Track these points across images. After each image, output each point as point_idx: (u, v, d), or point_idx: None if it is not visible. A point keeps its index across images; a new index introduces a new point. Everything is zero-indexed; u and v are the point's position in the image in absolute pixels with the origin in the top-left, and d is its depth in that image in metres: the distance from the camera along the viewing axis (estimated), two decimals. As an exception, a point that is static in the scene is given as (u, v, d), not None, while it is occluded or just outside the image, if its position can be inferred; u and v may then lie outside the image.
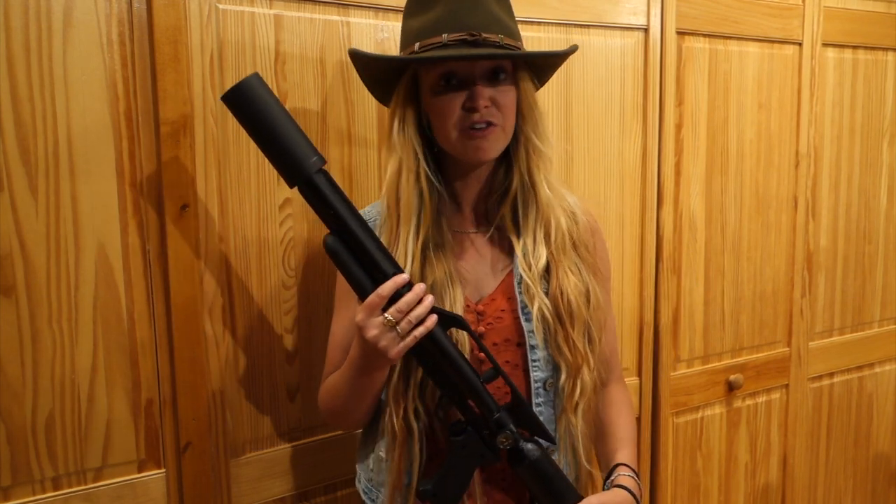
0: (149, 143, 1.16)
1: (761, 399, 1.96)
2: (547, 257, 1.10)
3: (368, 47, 1.33)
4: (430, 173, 1.08)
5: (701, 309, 1.81)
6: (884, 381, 2.20)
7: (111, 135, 1.13)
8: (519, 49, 1.08)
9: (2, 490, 1.11)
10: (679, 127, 1.71)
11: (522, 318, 1.10)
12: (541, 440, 1.06)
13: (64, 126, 1.09)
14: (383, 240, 1.04)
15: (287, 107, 1.26)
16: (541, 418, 1.08)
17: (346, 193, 0.98)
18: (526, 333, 1.09)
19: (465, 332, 1.05)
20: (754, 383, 1.93)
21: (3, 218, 1.06)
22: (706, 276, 1.81)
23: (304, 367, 1.35)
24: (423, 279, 1.05)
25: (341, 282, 1.15)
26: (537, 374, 1.10)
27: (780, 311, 1.95)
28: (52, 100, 1.08)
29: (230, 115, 1.21)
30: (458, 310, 1.06)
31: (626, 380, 1.41)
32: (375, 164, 1.36)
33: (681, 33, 1.67)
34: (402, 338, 0.96)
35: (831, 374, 2.08)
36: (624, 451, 1.18)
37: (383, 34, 1.34)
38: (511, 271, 1.12)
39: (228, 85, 1.21)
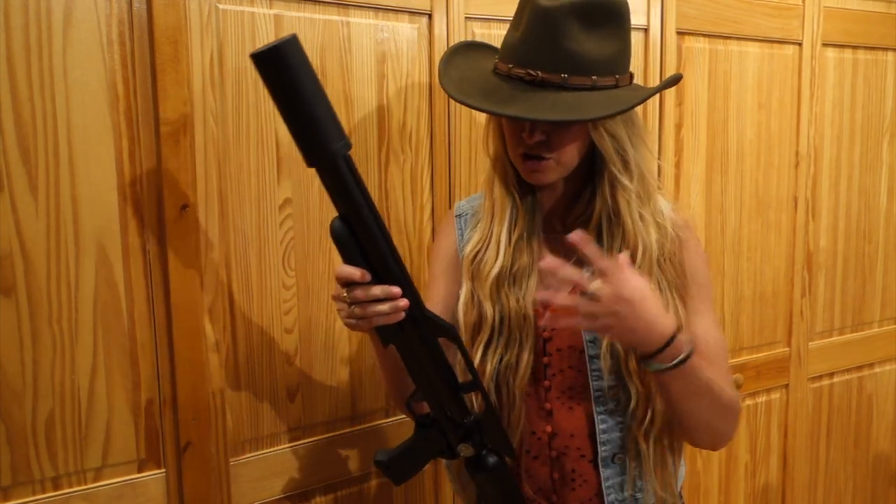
0: (149, 143, 1.16)
1: (761, 399, 1.96)
2: None
3: (368, 47, 1.33)
4: (517, 177, 1.11)
5: (701, 309, 1.80)
6: (884, 381, 2.19)
7: (111, 135, 1.13)
8: (592, 86, 1.01)
9: (2, 490, 1.10)
10: (679, 127, 1.71)
11: None
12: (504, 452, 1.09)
13: (64, 126, 1.09)
14: (479, 229, 1.14)
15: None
16: (601, 426, 1.11)
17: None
18: (585, 343, 1.10)
19: (528, 355, 1.09)
20: (754, 383, 1.93)
21: (3, 218, 1.06)
22: (706, 276, 1.81)
23: (304, 367, 1.35)
24: (512, 266, 1.11)
25: (434, 248, 1.23)
26: (597, 382, 1.10)
27: (780, 312, 1.95)
28: (52, 100, 1.08)
29: (230, 114, 1.22)
30: (528, 302, 1.09)
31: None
32: (376, 164, 1.36)
33: (681, 33, 1.67)
34: (356, 321, 0.95)
35: (831, 375, 2.08)
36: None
37: (383, 34, 1.34)
38: None
39: (228, 85, 1.21)
